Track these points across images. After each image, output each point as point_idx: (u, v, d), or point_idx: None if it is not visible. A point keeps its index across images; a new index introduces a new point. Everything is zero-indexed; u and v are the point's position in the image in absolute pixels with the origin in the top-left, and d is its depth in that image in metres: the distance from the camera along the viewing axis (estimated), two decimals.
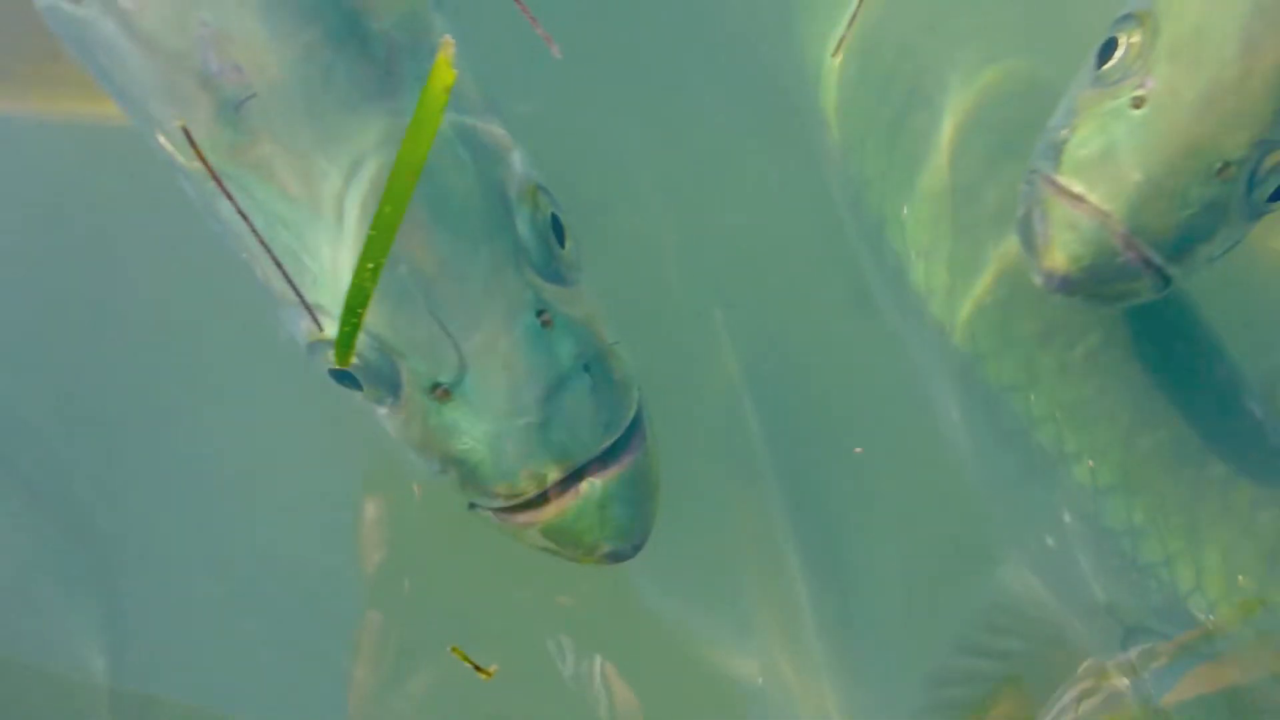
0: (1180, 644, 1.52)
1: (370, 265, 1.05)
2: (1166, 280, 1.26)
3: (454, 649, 1.21)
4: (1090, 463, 1.51)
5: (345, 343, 1.08)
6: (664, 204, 1.67)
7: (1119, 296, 1.29)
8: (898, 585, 1.72)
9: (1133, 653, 1.56)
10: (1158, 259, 1.23)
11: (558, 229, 1.20)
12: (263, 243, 1.12)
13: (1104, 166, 1.22)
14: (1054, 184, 1.25)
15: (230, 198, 1.11)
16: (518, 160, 1.21)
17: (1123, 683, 1.57)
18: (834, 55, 1.40)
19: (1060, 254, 1.23)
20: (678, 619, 1.63)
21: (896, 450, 1.71)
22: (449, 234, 1.12)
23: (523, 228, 1.16)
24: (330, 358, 1.13)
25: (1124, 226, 1.21)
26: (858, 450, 1.63)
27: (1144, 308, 1.47)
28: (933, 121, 1.60)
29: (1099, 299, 1.29)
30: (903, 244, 1.62)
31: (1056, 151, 1.27)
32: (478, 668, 1.20)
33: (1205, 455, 1.51)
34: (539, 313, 1.13)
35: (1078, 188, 1.23)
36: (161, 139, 1.17)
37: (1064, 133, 1.28)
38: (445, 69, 1.03)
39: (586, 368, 1.15)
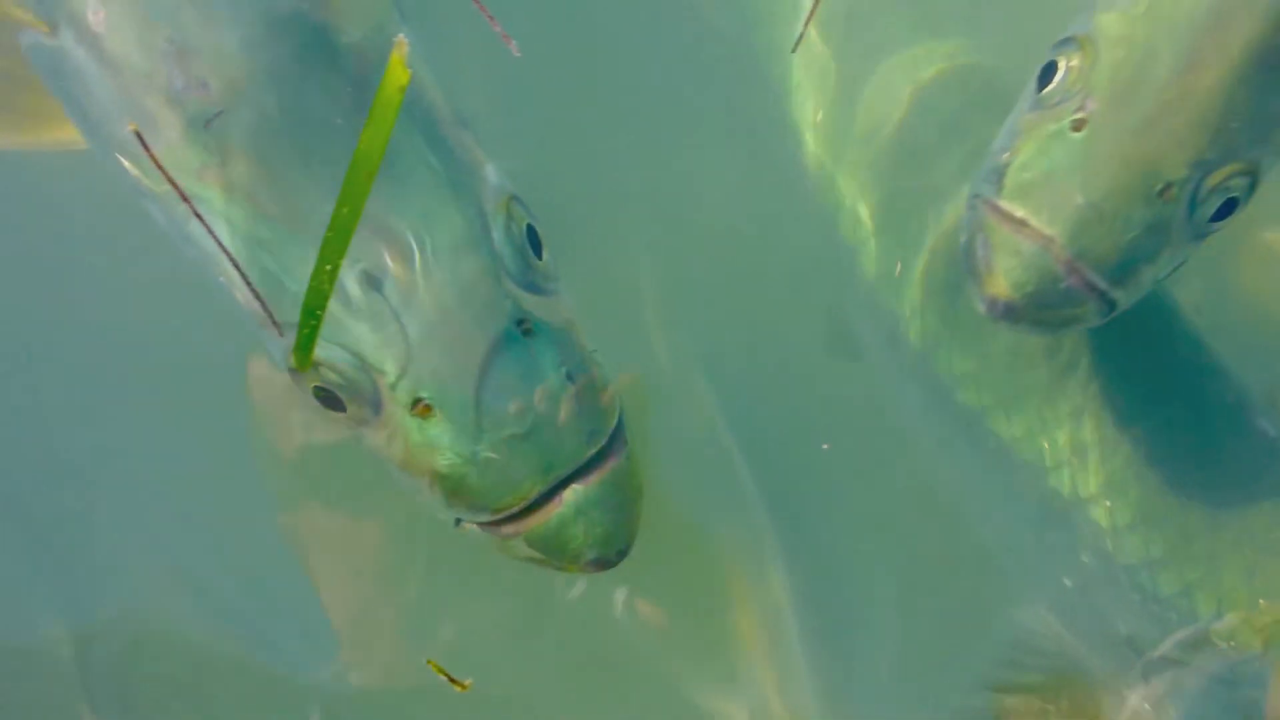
0: (1200, 668, 1.48)
1: (328, 267, 1.05)
2: (1111, 304, 1.24)
3: (429, 661, 1.19)
4: (1108, 503, 1.49)
5: (304, 345, 1.08)
6: (640, 227, 1.67)
7: (1064, 322, 1.26)
8: (899, 627, 1.68)
9: (1153, 678, 1.52)
10: (1102, 283, 1.22)
11: (534, 240, 1.20)
12: (227, 253, 1.12)
13: (1046, 190, 1.21)
14: (996, 209, 1.24)
15: (199, 217, 1.12)
16: (491, 172, 1.21)
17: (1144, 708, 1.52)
18: (793, 50, 1.40)
19: (1004, 280, 1.21)
20: (666, 662, 1.60)
21: (895, 493, 1.69)
22: (424, 247, 1.12)
23: (499, 239, 1.16)
24: (316, 375, 1.12)
25: (1067, 251, 1.20)
26: (825, 447, 1.60)
27: (1147, 340, 1.49)
28: (927, 180, 1.58)
29: (1044, 325, 1.27)
30: (899, 303, 1.60)
31: (999, 175, 1.25)
32: (453, 680, 1.18)
33: (1221, 480, 1.48)
34: (519, 322, 1.13)
35: (1020, 212, 1.22)
36: (131, 167, 1.17)
37: (1006, 156, 1.26)
38: (399, 68, 1.04)
39: (569, 375, 1.14)
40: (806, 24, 1.23)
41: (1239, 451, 1.50)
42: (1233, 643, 1.47)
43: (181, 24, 1.12)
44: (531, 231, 1.20)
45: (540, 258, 1.19)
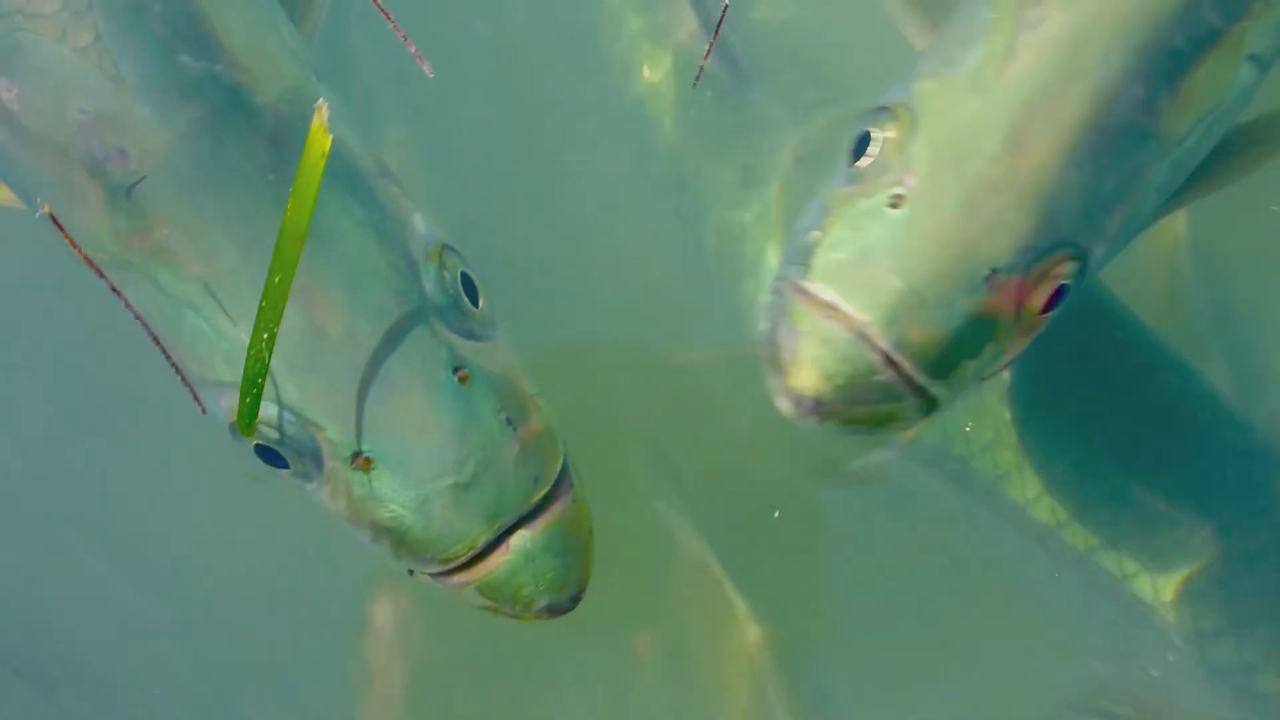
0: None
1: (265, 335, 1.06)
2: (932, 403, 1.11)
3: None
4: (1190, 609, 1.45)
5: (249, 414, 1.08)
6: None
7: (878, 421, 1.12)
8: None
9: None
10: (921, 378, 1.08)
11: (470, 287, 1.19)
12: (145, 326, 1.14)
13: (860, 272, 1.08)
14: (803, 292, 1.10)
15: (113, 287, 1.13)
16: (420, 222, 1.21)
17: None
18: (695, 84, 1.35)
19: (810, 372, 1.07)
20: None
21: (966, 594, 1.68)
22: (354, 298, 1.12)
23: (430, 287, 1.15)
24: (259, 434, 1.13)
25: (884, 340, 1.06)
26: (775, 514, 1.57)
27: (1208, 442, 1.50)
28: None
29: (854, 424, 1.11)
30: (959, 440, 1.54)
31: (806, 255, 1.12)
32: None
33: None
34: (455, 370, 1.12)
35: (830, 295, 1.08)
36: (68, 240, 1.17)
37: (814, 234, 1.13)
38: (321, 134, 1.05)
39: (509, 421, 1.13)
40: (706, 56, 1.19)
41: None
42: None
43: (94, 94, 1.13)
44: (466, 279, 1.19)
45: (477, 305, 1.19)
